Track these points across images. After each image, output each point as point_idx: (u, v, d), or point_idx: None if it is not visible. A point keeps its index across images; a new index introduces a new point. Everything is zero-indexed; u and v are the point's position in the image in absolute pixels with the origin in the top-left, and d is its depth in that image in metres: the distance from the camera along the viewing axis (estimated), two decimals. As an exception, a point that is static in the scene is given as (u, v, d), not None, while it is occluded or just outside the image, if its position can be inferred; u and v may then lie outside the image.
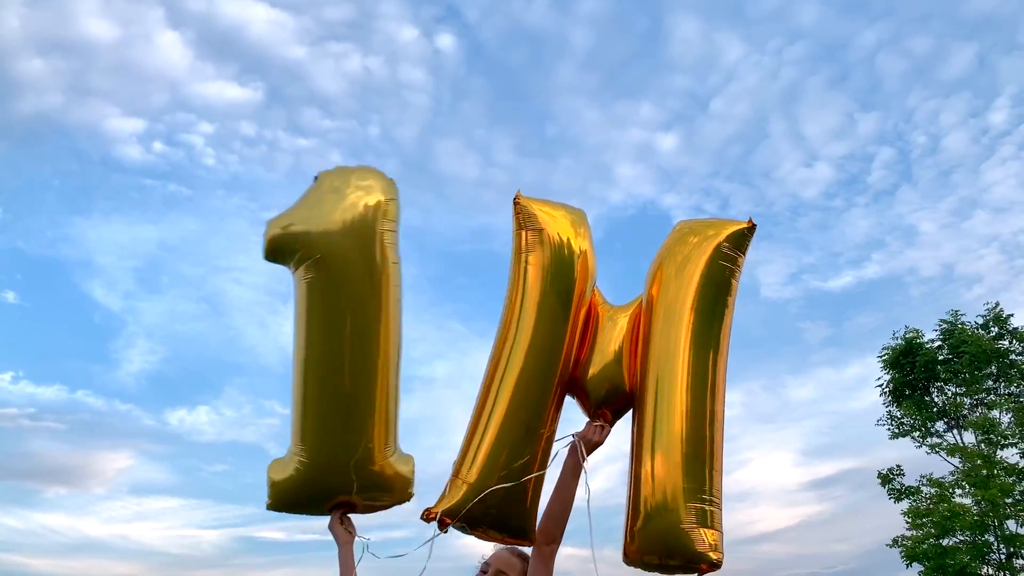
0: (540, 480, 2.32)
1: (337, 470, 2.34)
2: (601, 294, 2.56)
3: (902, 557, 14.73)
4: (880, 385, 16.58)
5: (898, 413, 16.21)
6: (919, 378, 15.94)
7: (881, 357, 16.47)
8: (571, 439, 2.36)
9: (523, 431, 2.26)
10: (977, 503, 14.18)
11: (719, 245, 2.35)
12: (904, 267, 26.23)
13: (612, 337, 2.42)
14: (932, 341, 16.07)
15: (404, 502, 2.47)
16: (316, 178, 2.40)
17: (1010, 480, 14.13)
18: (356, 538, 2.44)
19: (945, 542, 14.36)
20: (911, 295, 25.65)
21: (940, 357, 15.80)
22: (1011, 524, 14.24)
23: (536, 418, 2.29)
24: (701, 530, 2.10)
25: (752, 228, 2.39)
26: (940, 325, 16.10)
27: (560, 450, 2.37)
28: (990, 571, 14.33)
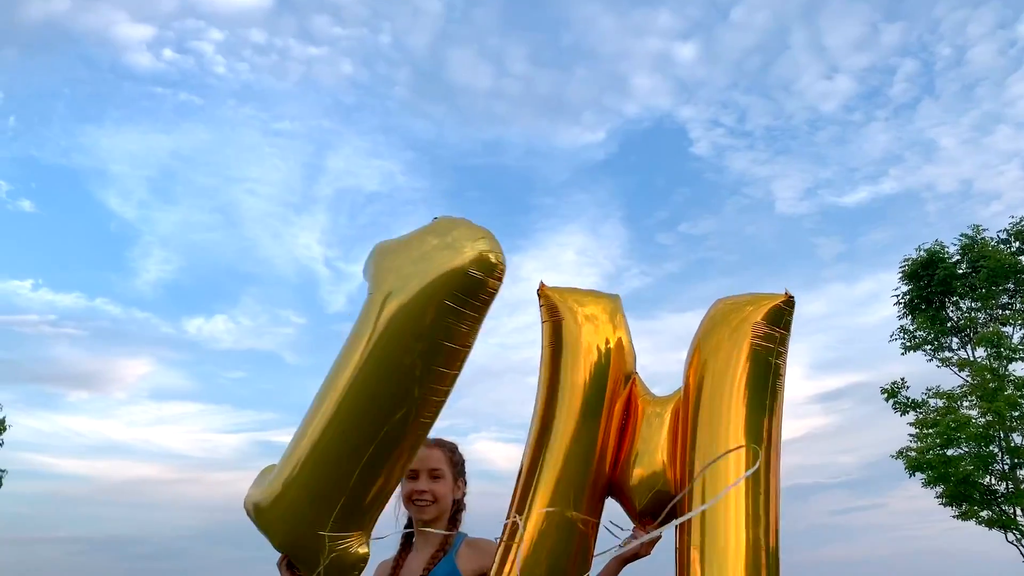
0: None
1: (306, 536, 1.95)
2: (643, 384, 2.34)
3: (906, 467, 14.99)
4: (896, 297, 16.52)
5: (911, 327, 16.21)
6: (935, 292, 15.84)
7: (901, 269, 16.35)
8: (616, 550, 2.20)
9: (564, 535, 2.08)
10: (983, 415, 14.31)
11: (756, 325, 2.10)
12: (921, 183, 25.77)
13: (656, 435, 2.20)
14: (951, 256, 15.89)
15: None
16: (435, 218, 1.98)
17: (1018, 394, 14.22)
18: None
19: (950, 452, 14.58)
20: (927, 211, 25.28)
21: (959, 271, 15.65)
22: (1016, 437, 14.44)
23: (574, 522, 2.10)
24: None
25: (789, 301, 2.13)
26: (961, 239, 15.89)
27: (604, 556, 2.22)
28: (993, 481, 14.61)
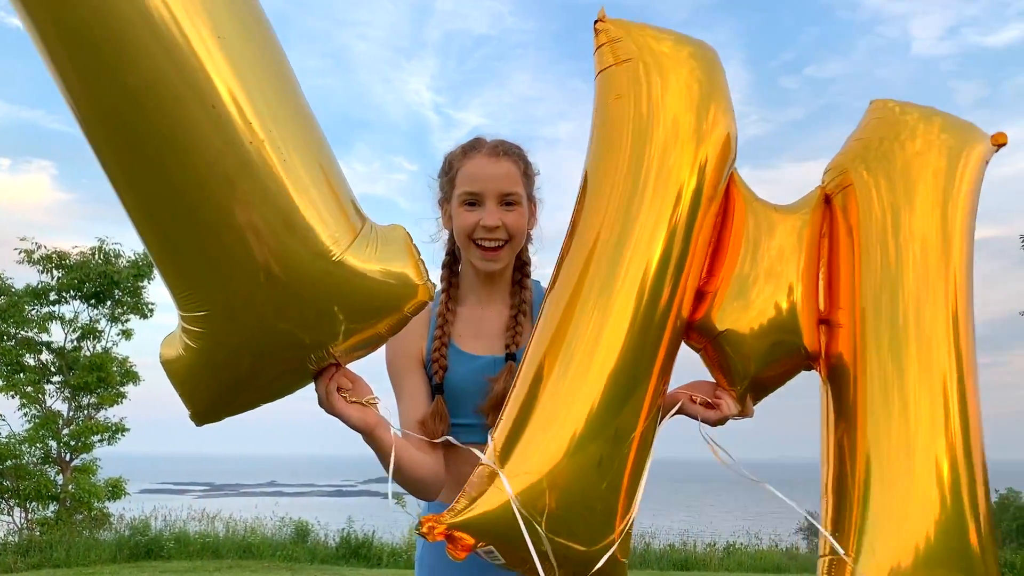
0: (638, 478, 1.34)
1: (260, 322, 1.19)
2: (741, 179, 1.50)
3: (1035, 324, 14.49)
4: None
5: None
6: (1085, 144, 14.62)
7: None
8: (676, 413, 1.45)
9: (615, 405, 1.29)
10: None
11: (982, 165, 1.60)
12: (1087, 16, 22.73)
13: (776, 257, 1.44)
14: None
15: (423, 303, 1.28)
16: None
17: None
18: (381, 406, 1.38)
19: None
20: (1086, 52, 22.47)
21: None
22: None
23: (635, 385, 1.31)
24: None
25: (1004, 144, 1.64)
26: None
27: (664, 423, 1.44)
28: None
